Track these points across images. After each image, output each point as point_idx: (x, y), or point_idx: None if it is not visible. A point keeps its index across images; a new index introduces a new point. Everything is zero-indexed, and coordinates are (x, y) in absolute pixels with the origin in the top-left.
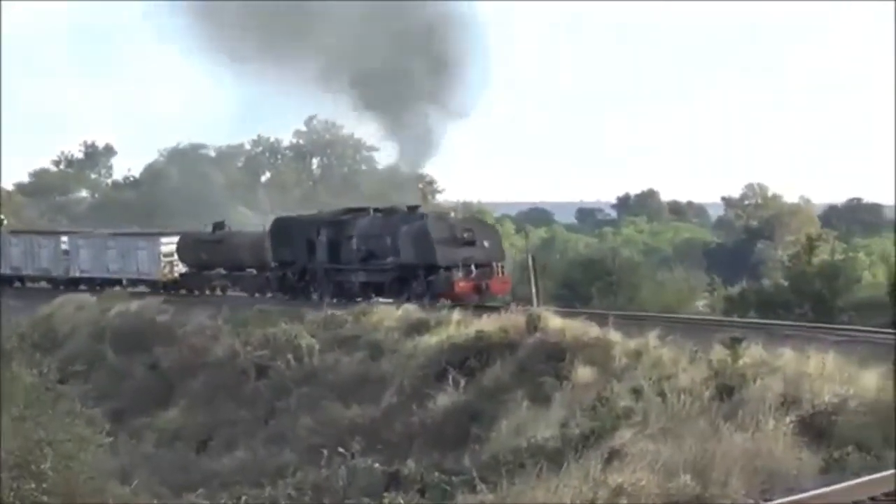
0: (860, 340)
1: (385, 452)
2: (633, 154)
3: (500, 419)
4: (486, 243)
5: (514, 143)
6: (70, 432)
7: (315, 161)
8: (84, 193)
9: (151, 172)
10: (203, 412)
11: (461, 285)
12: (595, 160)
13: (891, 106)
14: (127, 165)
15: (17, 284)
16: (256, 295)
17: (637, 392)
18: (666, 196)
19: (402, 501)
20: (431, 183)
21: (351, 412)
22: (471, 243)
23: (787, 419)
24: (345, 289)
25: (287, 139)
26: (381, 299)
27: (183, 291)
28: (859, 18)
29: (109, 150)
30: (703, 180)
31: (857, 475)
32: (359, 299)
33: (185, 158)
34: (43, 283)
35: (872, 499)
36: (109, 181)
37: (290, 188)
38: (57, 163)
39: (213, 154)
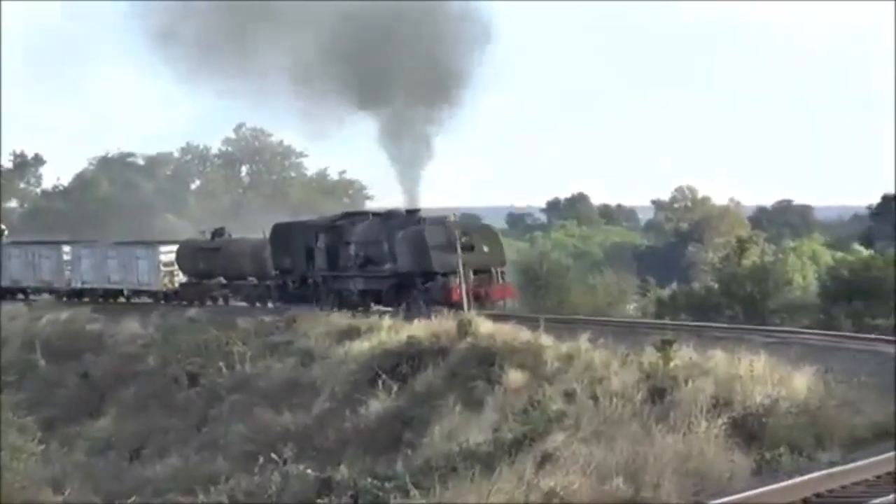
0: (791, 342)
1: (318, 458)
2: (564, 158)
3: (433, 424)
4: (485, 248)
5: (444, 148)
6: (2, 441)
7: (244, 168)
8: (14, 203)
9: (81, 181)
10: (135, 420)
11: (457, 292)
12: (525, 165)
13: (823, 106)
14: (56, 175)
15: (20, 297)
16: (258, 305)
17: (569, 395)
18: (596, 200)
19: None
20: (361, 189)
21: (283, 419)
22: (469, 248)
23: (719, 421)
24: (344, 297)
25: (216, 147)
26: (381, 307)
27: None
28: (787, 20)
29: (38, 160)
30: (633, 183)
31: (790, 476)
32: (360, 308)
33: (113, 167)
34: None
35: (804, 500)
36: (39, 190)
37: (220, 195)
38: None
39: (141, 162)
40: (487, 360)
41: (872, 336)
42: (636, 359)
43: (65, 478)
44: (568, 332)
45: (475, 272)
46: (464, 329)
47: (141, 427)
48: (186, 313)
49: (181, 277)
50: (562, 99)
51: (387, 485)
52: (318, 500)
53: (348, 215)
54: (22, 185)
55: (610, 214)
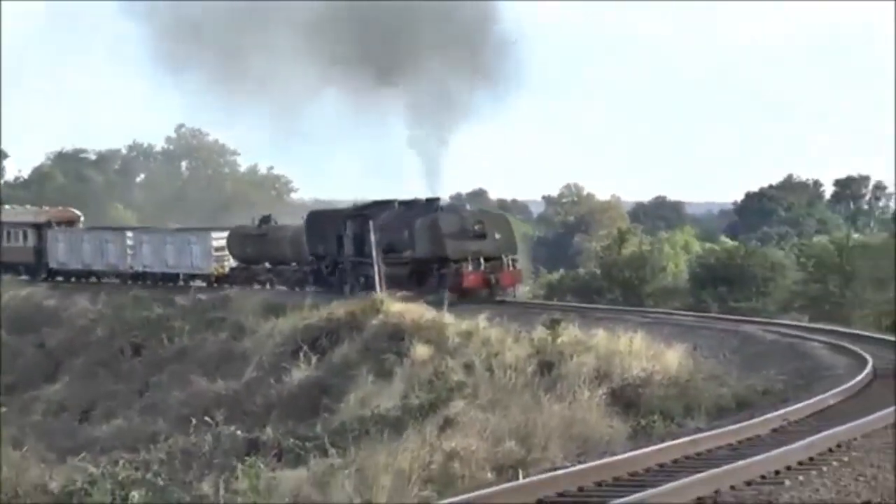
0: (664, 322)
1: (246, 421)
2: (467, 158)
3: (348, 392)
4: (497, 236)
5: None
6: None
7: (184, 164)
8: None
9: (39, 174)
10: (85, 386)
11: (470, 279)
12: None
13: (694, 112)
14: (17, 167)
15: (94, 280)
16: (296, 289)
17: (468, 368)
18: (493, 195)
19: (261, 464)
20: (287, 183)
21: (216, 386)
22: (482, 236)
23: (600, 391)
24: (370, 282)
25: (159, 144)
26: (403, 293)
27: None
28: (663, 31)
29: (2, 154)
30: (525, 180)
31: (662, 440)
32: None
33: (68, 161)
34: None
35: (674, 461)
36: (1, 182)
37: (162, 188)
38: None
39: (93, 157)
40: (397, 336)
41: (735, 317)
42: (528, 336)
43: (23, 436)
44: (468, 311)
45: (486, 259)
46: (375, 307)
47: (90, 392)
48: (132, 291)
49: (231, 262)
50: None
51: (307, 445)
52: (246, 458)
53: (375, 204)
54: None
55: (506, 208)
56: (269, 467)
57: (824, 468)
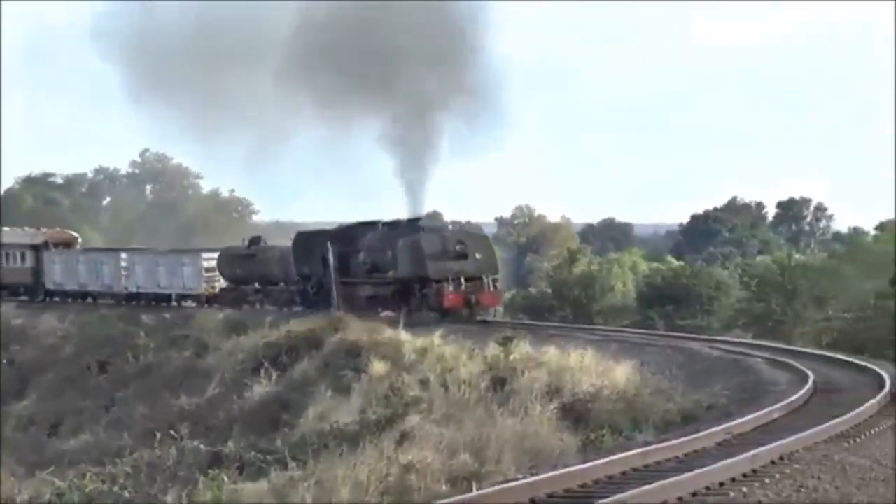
0: (613, 339)
1: (209, 435)
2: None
3: (308, 407)
4: (478, 256)
5: (317, 166)
6: None
7: (148, 187)
8: None
9: (8, 197)
10: (53, 401)
11: (451, 298)
12: (385, 186)
13: (641, 135)
14: None
15: (90, 301)
16: (285, 309)
17: (424, 383)
18: (448, 216)
19: (224, 477)
20: (248, 205)
21: (180, 401)
22: (463, 256)
23: (551, 406)
24: (355, 303)
25: (124, 168)
26: (387, 313)
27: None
28: (615, 57)
29: None
30: (478, 203)
31: (611, 453)
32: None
33: (36, 185)
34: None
35: (623, 473)
36: None
37: (127, 210)
38: None
39: (60, 181)
40: (355, 353)
41: (681, 335)
42: (481, 352)
43: None
44: (423, 329)
45: (468, 279)
46: (334, 326)
47: (58, 407)
48: (99, 311)
49: (222, 283)
50: None
51: (268, 458)
52: (209, 471)
53: (360, 224)
54: None
55: None
56: (232, 480)
57: (767, 480)
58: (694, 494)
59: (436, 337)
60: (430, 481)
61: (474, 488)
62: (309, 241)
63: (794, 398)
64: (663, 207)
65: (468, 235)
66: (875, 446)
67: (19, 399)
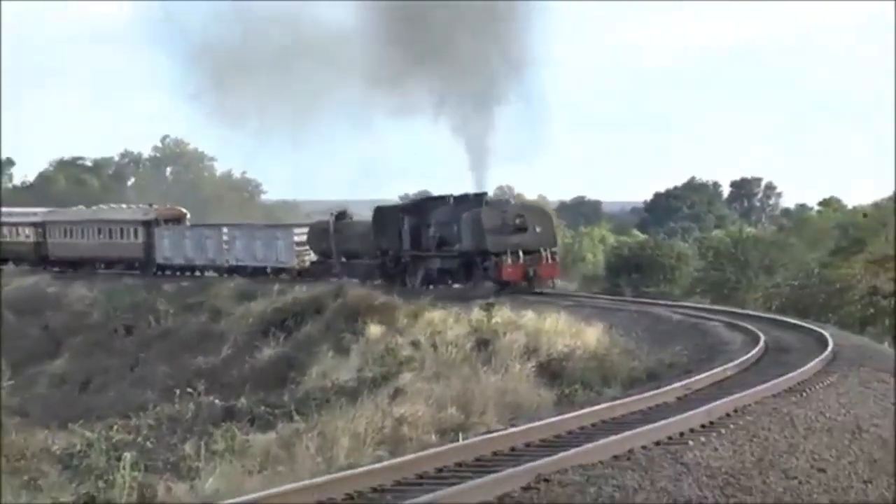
0: (584, 304)
1: (223, 391)
2: (413, 157)
3: (311, 366)
4: (537, 229)
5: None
6: None
7: (168, 169)
8: None
9: (43, 178)
10: (83, 362)
11: (508, 271)
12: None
13: (609, 121)
14: (24, 173)
15: (197, 274)
16: (368, 282)
17: (415, 344)
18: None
19: (236, 429)
20: (258, 185)
21: (197, 361)
22: (522, 229)
23: (529, 365)
24: (427, 275)
25: (147, 152)
26: (456, 286)
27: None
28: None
29: (10, 162)
30: (464, 182)
31: (583, 406)
32: (434, 286)
33: (68, 168)
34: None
35: (593, 425)
36: (10, 185)
37: (150, 190)
38: None
39: (90, 164)
40: (354, 317)
41: (646, 300)
42: (466, 317)
43: (30, 406)
44: (415, 296)
45: (526, 252)
46: (336, 292)
47: (88, 367)
48: (123, 280)
49: (312, 256)
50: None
51: (276, 411)
52: (223, 423)
53: (431, 199)
54: None
55: None
56: (243, 431)
57: (722, 430)
58: (657, 444)
59: (426, 303)
60: (421, 432)
61: (460, 438)
62: (385, 215)
63: (746, 357)
64: (629, 186)
65: (528, 209)
66: (819, 400)
67: (53, 360)
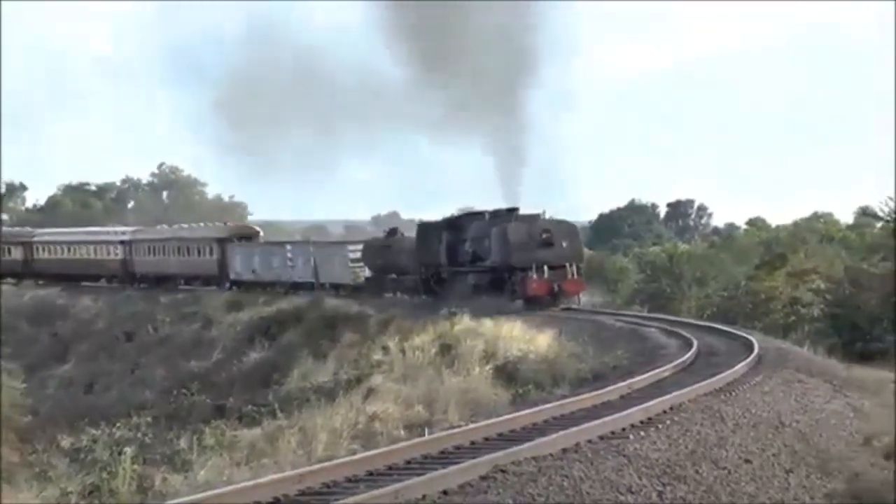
0: (538, 314)
1: (214, 392)
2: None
3: (293, 369)
4: (564, 244)
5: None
6: None
7: (165, 193)
8: (6, 216)
9: (52, 202)
10: (89, 365)
11: (534, 286)
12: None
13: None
14: (35, 197)
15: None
16: (413, 298)
17: (385, 349)
18: (405, 215)
19: (224, 425)
20: (245, 207)
21: (190, 364)
22: (548, 244)
23: (487, 367)
24: (462, 290)
25: (145, 178)
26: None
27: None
28: None
29: (23, 186)
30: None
31: (535, 405)
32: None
33: (74, 192)
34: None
35: (545, 421)
36: (23, 208)
37: (149, 213)
38: None
39: (94, 188)
40: (331, 325)
41: (591, 309)
42: (432, 325)
43: (40, 405)
44: (384, 306)
45: (551, 268)
46: (315, 303)
47: (93, 370)
48: (124, 292)
49: (366, 272)
50: None
51: (262, 409)
52: (213, 420)
53: (468, 214)
54: (10, 205)
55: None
56: (232, 427)
57: (660, 426)
58: (601, 438)
59: (396, 312)
60: (391, 427)
61: (426, 433)
62: (427, 231)
63: (681, 360)
64: (576, 207)
65: (555, 224)
66: (746, 398)
67: (61, 364)
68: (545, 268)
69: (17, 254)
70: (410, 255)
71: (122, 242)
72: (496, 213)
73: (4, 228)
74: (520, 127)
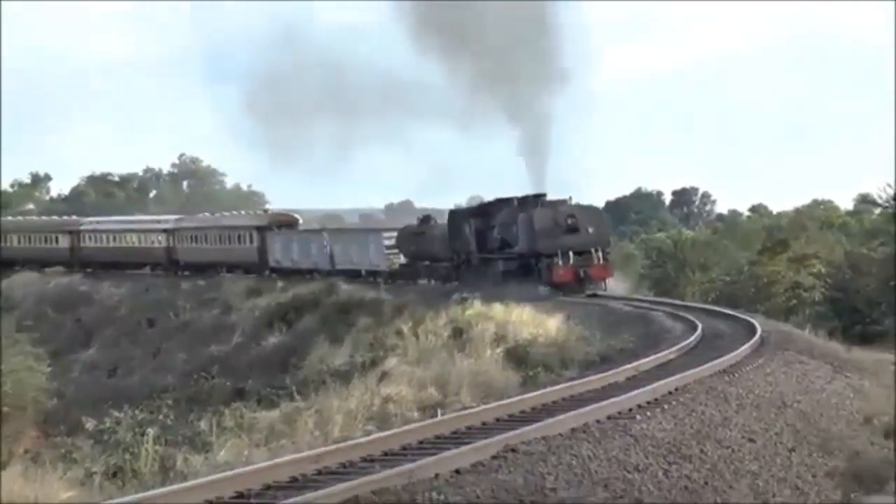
0: (546, 298)
1: (234, 375)
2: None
3: (310, 353)
4: (590, 230)
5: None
6: (23, 365)
7: (185, 183)
8: (31, 206)
9: (75, 192)
10: (112, 350)
11: (560, 273)
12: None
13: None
14: (59, 187)
15: (307, 276)
16: (445, 284)
17: (399, 333)
18: (418, 204)
19: (244, 407)
20: (262, 196)
21: (211, 349)
22: (574, 230)
23: (498, 350)
24: (492, 277)
25: (166, 169)
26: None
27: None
28: None
29: (47, 177)
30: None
31: (545, 387)
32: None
33: (97, 182)
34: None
35: (554, 402)
36: (48, 198)
37: (169, 201)
38: (11, 185)
39: (116, 179)
40: (346, 310)
41: (599, 294)
42: (444, 309)
43: (65, 389)
44: (402, 292)
45: (577, 253)
46: (331, 289)
47: (116, 355)
48: (145, 279)
49: (401, 259)
50: None
51: (279, 392)
52: (233, 403)
53: (497, 201)
54: (36, 194)
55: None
56: (251, 410)
57: (665, 406)
58: (609, 418)
59: (410, 298)
60: (405, 409)
61: (439, 414)
62: (457, 218)
63: (686, 343)
64: (585, 195)
65: (581, 209)
66: (749, 379)
67: (85, 349)
68: (570, 253)
69: (64, 242)
70: (442, 243)
71: (165, 231)
72: (524, 200)
73: (53, 217)
74: (545, 117)
